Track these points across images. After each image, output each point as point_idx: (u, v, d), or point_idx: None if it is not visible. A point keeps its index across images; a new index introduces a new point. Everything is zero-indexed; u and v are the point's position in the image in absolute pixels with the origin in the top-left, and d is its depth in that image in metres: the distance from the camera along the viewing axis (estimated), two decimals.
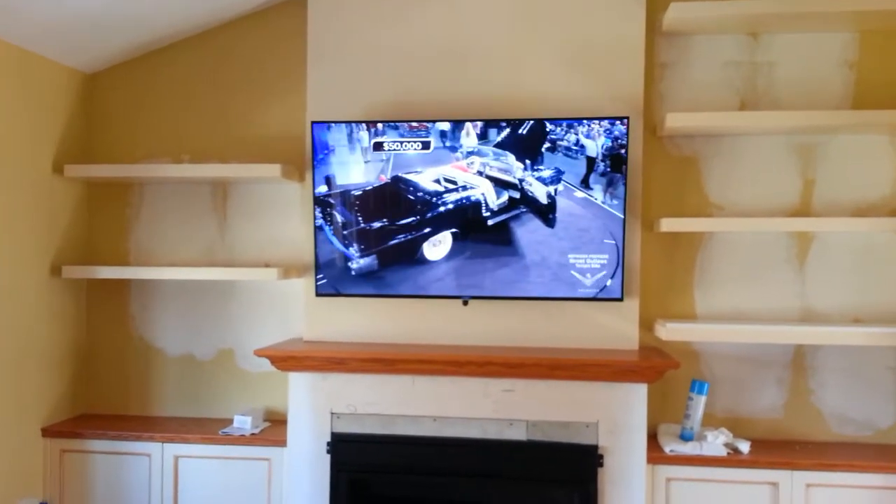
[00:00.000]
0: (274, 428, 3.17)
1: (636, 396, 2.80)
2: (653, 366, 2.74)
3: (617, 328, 2.95)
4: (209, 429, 3.16)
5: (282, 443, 3.02)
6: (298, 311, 3.23)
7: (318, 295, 3.05)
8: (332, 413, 2.96)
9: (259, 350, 2.95)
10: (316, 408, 2.97)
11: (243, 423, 3.14)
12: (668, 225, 2.87)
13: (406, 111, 3.02)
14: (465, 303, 2.97)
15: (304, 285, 3.15)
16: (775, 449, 2.88)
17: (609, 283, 2.87)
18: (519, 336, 3.00)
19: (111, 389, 3.42)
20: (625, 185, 2.82)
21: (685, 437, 2.89)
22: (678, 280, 3.08)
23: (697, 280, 3.07)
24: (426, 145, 2.91)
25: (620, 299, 2.87)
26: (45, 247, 3.16)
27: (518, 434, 2.87)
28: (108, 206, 3.40)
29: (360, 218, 2.99)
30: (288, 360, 2.92)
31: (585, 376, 2.79)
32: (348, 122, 2.96)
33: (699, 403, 2.89)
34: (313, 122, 2.98)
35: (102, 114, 3.41)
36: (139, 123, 3.38)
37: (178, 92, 3.36)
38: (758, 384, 3.04)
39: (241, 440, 3.06)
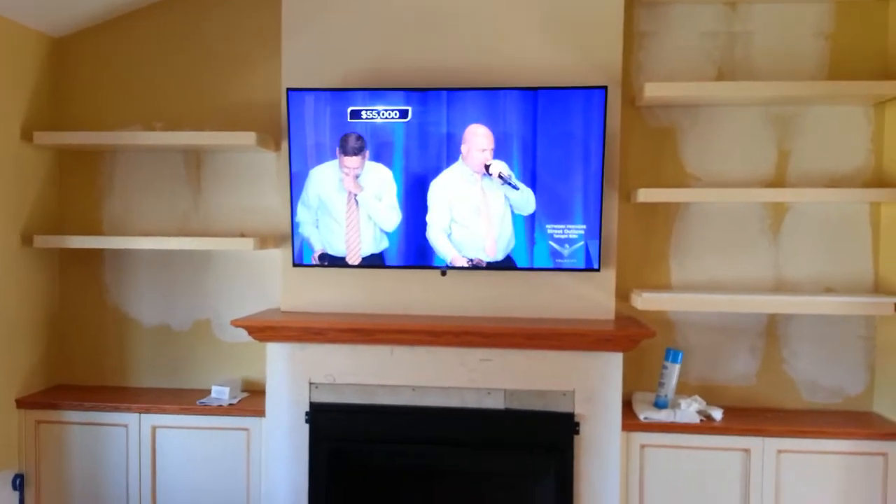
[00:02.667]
0: (252, 398, 3.17)
1: (612, 365, 2.84)
2: (628, 335, 2.77)
3: (594, 298, 2.97)
4: (186, 399, 3.15)
5: (260, 413, 3.02)
6: (276, 281, 3.21)
7: (295, 265, 3.03)
8: (311, 383, 2.96)
9: (236, 320, 2.94)
10: (294, 378, 2.97)
11: (221, 393, 3.14)
12: (645, 195, 2.89)
13: (384, 79, 2.98)
14: (444, 273, 2.97)
15: (282, 255, 3.13)
16: (747, 416, 2.94)
17: (586, 253, 2.88)
18: (497, 306, 3.01)
19: (86, 360, 3.39)
20: (603, 155, 2.81)
21: (659, 405, 2.93)
22: (654, 250, 3.10)
23: (673, 250, 3.10)
24: (403, 114, 2.88)
25: (597, 270, 2.89)
26: (15, 216, 3.10)
27: (496, 403, 2.89)
28: (80, 174, 3.34)
29: None
30: (265, 330, 2.91)
31: (562, 346, 2.81)
32: (325, 90, 2.91)
33: (673, 372, 2.93)
34: (289, 90, 2.93)
35: (71, 79, 3.33)
36: (110, 89, 3.31)
37: (150, 57, 3.29)
38: (731, 353, 3.09)
39: (219, 410, 3.06)
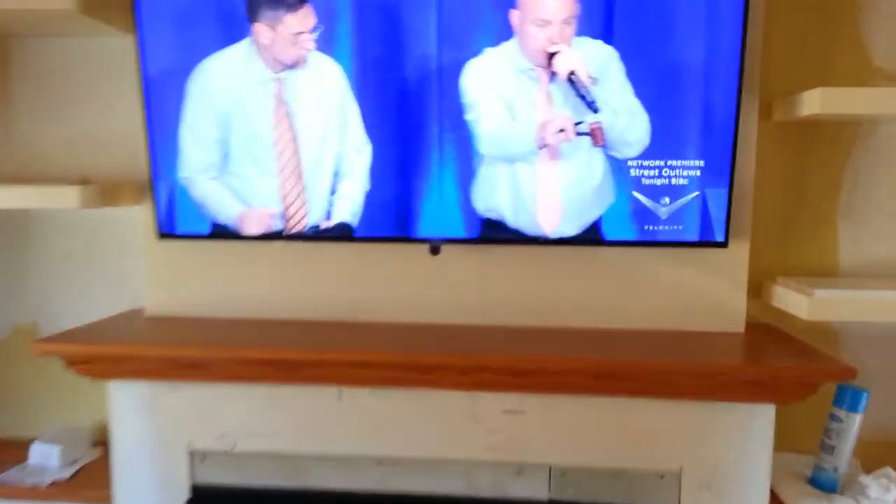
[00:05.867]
0: (106, 462, 1.82)
1: (755, 426, 1.51)
2: (802, 375, 1.44)
3: (711, 294, 1.64)
4: None
5: (104, 498, 1.68)
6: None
7: (161, 236, 1.67)
8: (192, 452, 1.62)
9: (41, 343, 1.56)
10: (161, 442, 1.62)
11: (46, 456, 1.79)
12: (813, 103, 1.51)
13: None
14: (435, 251, 1.62)
15: (144, 219, 1.76)
16: None
17: (703, 213, 1.54)
18: (534, 309, 1.67)
19: None
20: (743, 38, 1.46)
21: (824, 485, 1.63)
22: (811, 205, 1.76)
23: (845, 206, 1.75)
24: None
25: (723, 244, 1.55)
26: None
27: (535, 490, 1.57)
28: None
29: None
30: (95, 361, 1.55)
31: (661, 391, 1.48)
32: None
33: (851, 426, 1.61)
34: None
35: None
36: None
37: None
38: None
39: (31, 494, 1.71)
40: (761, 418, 1.49)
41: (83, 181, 1.84)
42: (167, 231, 1.66)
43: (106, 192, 1.71)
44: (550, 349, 1.50)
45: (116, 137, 1.85)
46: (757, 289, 1.72)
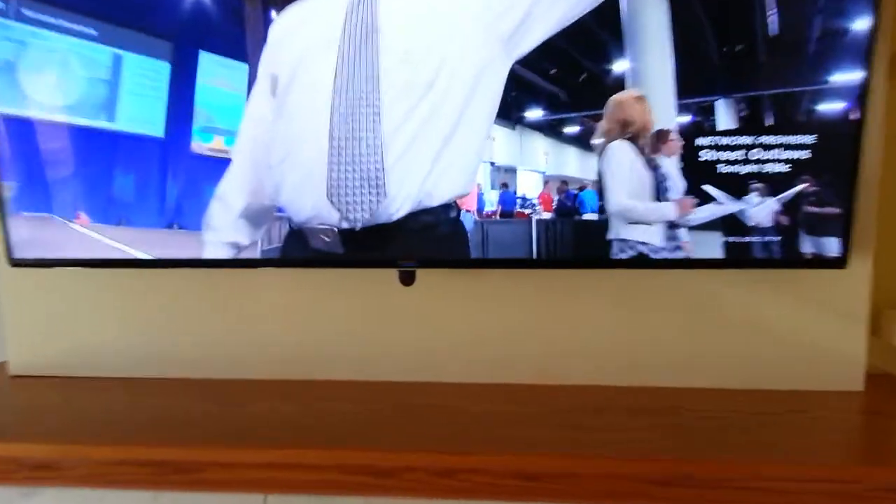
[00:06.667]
0: None
1: None
2: None
3: (816, 335, 1.11)
4: None
5: None
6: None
7: (14, 263, 1.16)
8: None
9: None
10: None
11: None
12: None
13: None
14: (408, 279, 1.10)
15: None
16: None
17: (808, 217, 1.01)
18: (546, 357, 1.16)
19: None
20: None
21: None
22: None
23: None
24: None
25: (840, 262, 1.02)
26: None
27: None
28: None
29: None
30: None
31: (753, 502, 0.96)
32: None
33: None
34: None
35: None
36: None
37: None
38: None
39: None
40: None
41: None
42: (18, 257, 1.15)
43: None
44: (575, 436, 0.98)
45: None
46: (875, 322, 1.19)
